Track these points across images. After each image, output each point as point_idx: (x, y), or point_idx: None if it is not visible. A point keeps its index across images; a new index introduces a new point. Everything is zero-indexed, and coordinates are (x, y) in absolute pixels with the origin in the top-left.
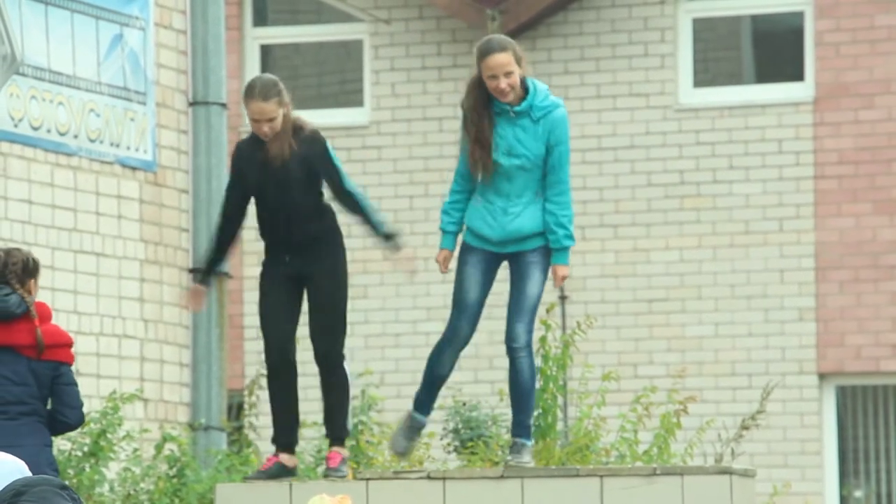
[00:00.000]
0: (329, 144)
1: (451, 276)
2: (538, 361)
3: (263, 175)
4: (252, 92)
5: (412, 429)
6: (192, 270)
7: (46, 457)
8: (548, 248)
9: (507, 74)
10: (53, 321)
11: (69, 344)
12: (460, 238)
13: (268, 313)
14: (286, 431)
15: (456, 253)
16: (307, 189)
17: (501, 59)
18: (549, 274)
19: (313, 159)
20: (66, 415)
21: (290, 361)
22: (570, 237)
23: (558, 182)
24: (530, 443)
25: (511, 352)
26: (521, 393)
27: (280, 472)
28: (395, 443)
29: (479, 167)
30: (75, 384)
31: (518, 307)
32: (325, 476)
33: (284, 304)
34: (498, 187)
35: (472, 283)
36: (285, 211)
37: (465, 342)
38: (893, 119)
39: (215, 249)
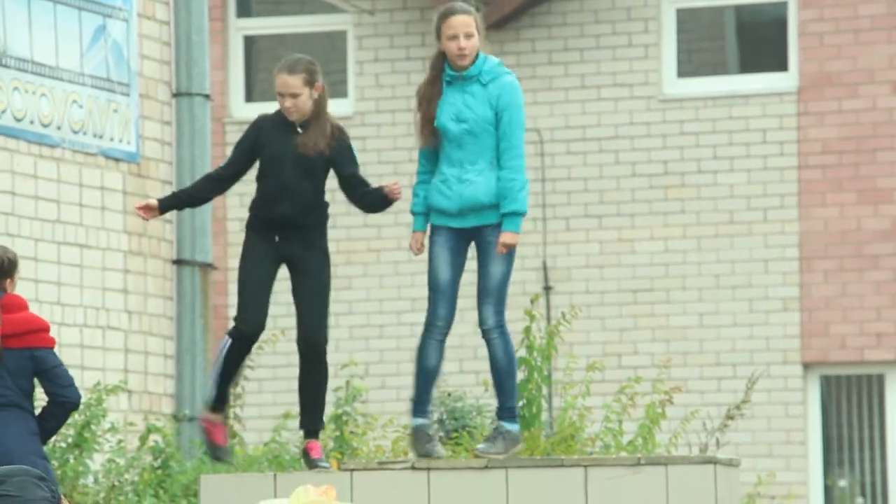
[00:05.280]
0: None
1: None
2: (522, 352)
3: (285, 153)
4: (280, 65)
5: (421, 437)
6: (176, 262)
7: (32, 445)
8: None
9: (468, 36)
10: (37, 313)
11: (43, 329)
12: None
13: (251, 287)
14: (228, 398)
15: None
16: (320, 181)
17: (465, 19)
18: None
19: (337, 157)
20: (63, 395)
21: (257, 337)
22: (518, 202)
23: (510, 147)
24: (512, 427)
25: (483, 335)
26: (498, 375)
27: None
28: (416, 452)
29: (422, 134)
30: (60, 364)
31: (483, 289)
32: (312, 468)
33: (267, 283)
34: (450, 157)
35: (441, 262)
36: (294, 194)
37: (446, 326)
38: (877, 108)
39: (187, 195)
